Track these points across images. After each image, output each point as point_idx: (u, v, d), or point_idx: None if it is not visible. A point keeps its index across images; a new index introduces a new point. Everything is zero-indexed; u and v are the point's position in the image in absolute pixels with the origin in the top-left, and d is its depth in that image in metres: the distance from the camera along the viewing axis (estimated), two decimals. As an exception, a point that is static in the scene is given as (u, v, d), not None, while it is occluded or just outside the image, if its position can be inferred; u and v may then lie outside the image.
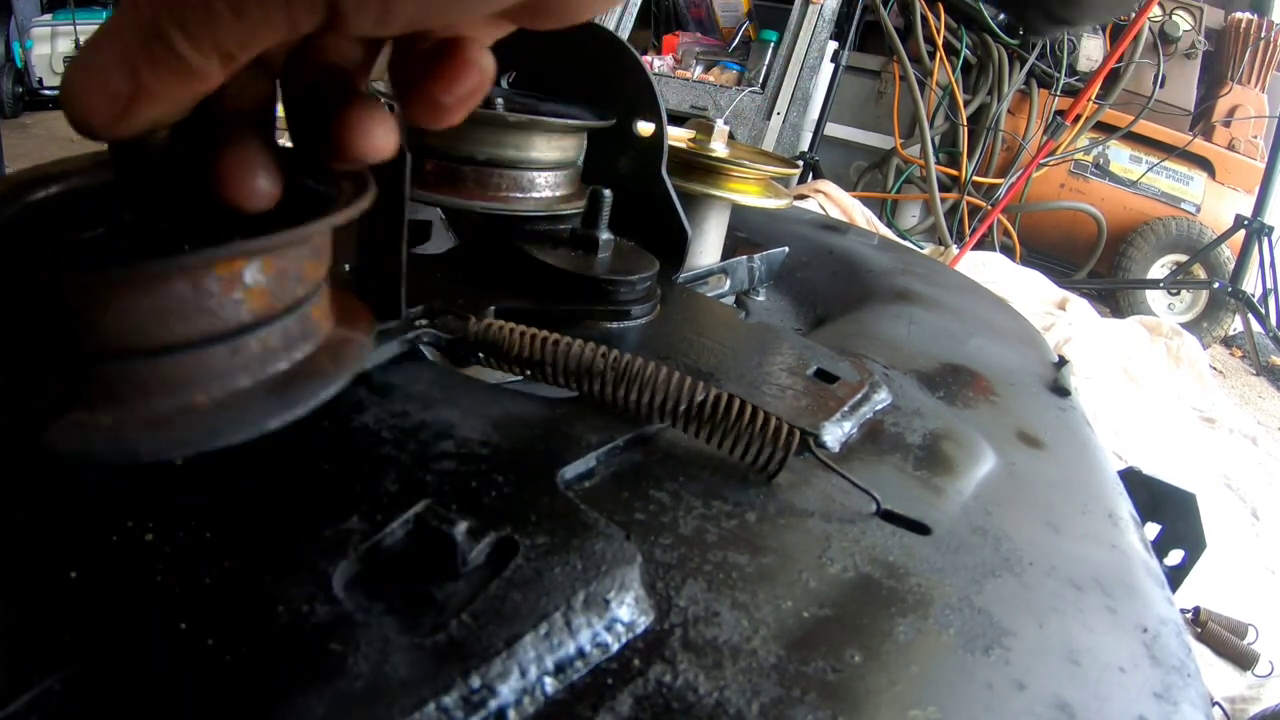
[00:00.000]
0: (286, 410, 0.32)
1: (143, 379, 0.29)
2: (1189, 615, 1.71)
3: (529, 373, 0.47)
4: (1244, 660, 1.68)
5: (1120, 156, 4.00)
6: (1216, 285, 3.70)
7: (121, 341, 0.29)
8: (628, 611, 0.33)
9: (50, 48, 4.73)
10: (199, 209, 0.32)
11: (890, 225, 3.88)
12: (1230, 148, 3.95)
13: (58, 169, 0.35)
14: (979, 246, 3.61)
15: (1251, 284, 3.70)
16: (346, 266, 0.44)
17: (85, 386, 0.29)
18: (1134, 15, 3.56)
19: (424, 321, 0.49)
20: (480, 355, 0.48)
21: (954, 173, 3.99)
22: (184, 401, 0.30)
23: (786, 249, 0.92)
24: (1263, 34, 3.93)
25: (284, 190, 0.33)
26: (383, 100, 0.33)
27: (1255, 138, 3.94)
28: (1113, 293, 4.00)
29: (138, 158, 0.32)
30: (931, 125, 3.91)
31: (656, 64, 4.31)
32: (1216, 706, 1.53)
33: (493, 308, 0.56)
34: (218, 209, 0.31)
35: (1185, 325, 3.51)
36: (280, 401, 0.32)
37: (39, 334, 0.29)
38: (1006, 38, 3.92)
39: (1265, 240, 3.59)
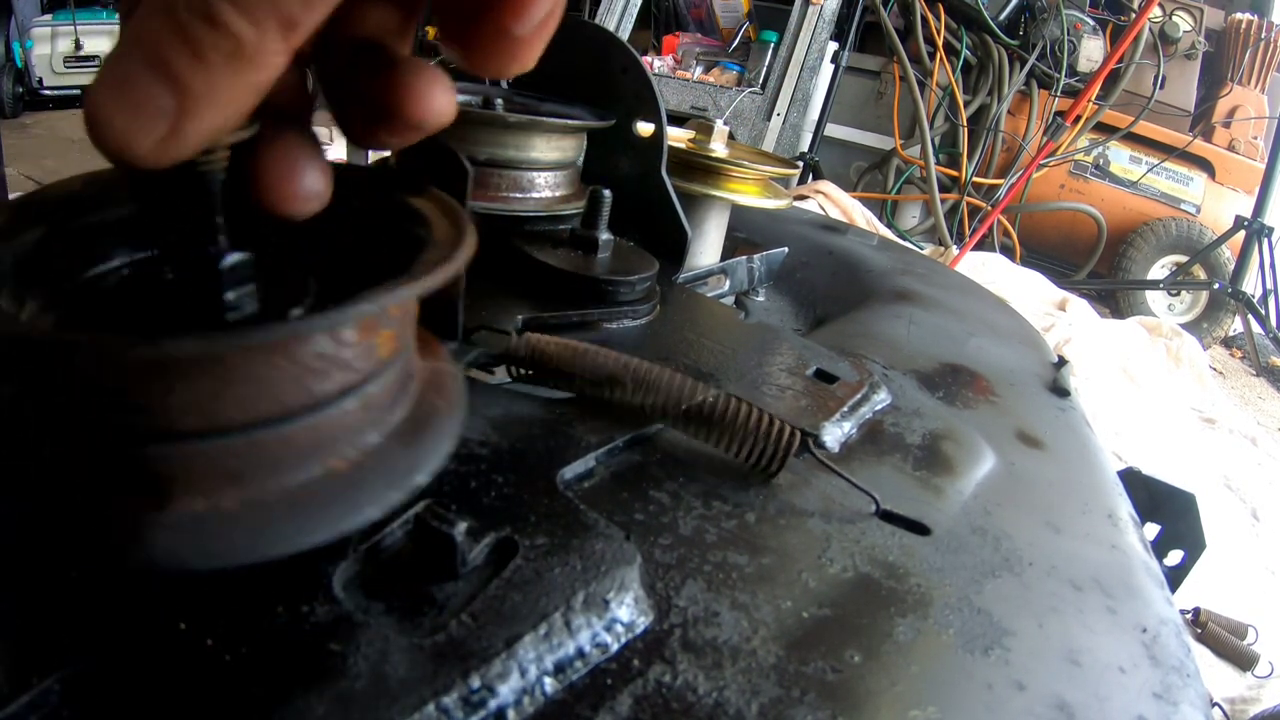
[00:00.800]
0: (425, 464, 0.28)
1: (272, 451, 0.25)
2: (1189, 616, 1.71)
3: (564, 386, 0.47)
4: (1244, 661, 1.67)
5: (1120, 157, 4.00)
6: (1216, 286, 3.69)
7: (237, 414, 0.24)
8: (627, 612, 0.33)
9: (50, 48, 4.73)
10: (238, 227, 0.28)
11: (890, 226, 3.88)
12: (1230, 148, 3.94)
13: (72, 187, 0.31)
14: (979, 247, 3.61)
15: (1251, 285, 3.70)
16: None
17: (147, 477, 0.24)
18: (1135, 16, 3.56)
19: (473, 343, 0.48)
20: (523, 370, 0.48)
21: (954, 173, 3.99)
22: (319, 470, 0.26)
23: (786, 249, 0.92)
24: (1263, 35, 3.93)
25: (349, 204, 0.29)
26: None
27: (1255, 138, 3.94)
28: (1113, 293, 4.00)
29: (207, 191, 0.27)
30: (931, 126, 3.90)
31: (656, 64, 4.31)
32: (1216, 707, 1.53)
33: (520, 317, 0.55)
34: (258, 223, 0.27)
35: (1185, 326, 3.50)
36: (414, 452, 0.28)
37: (97, 408, 0.23)
38: (1006, 38, 3.92)
39: (1265, 241, 3.58)
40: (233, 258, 0.28)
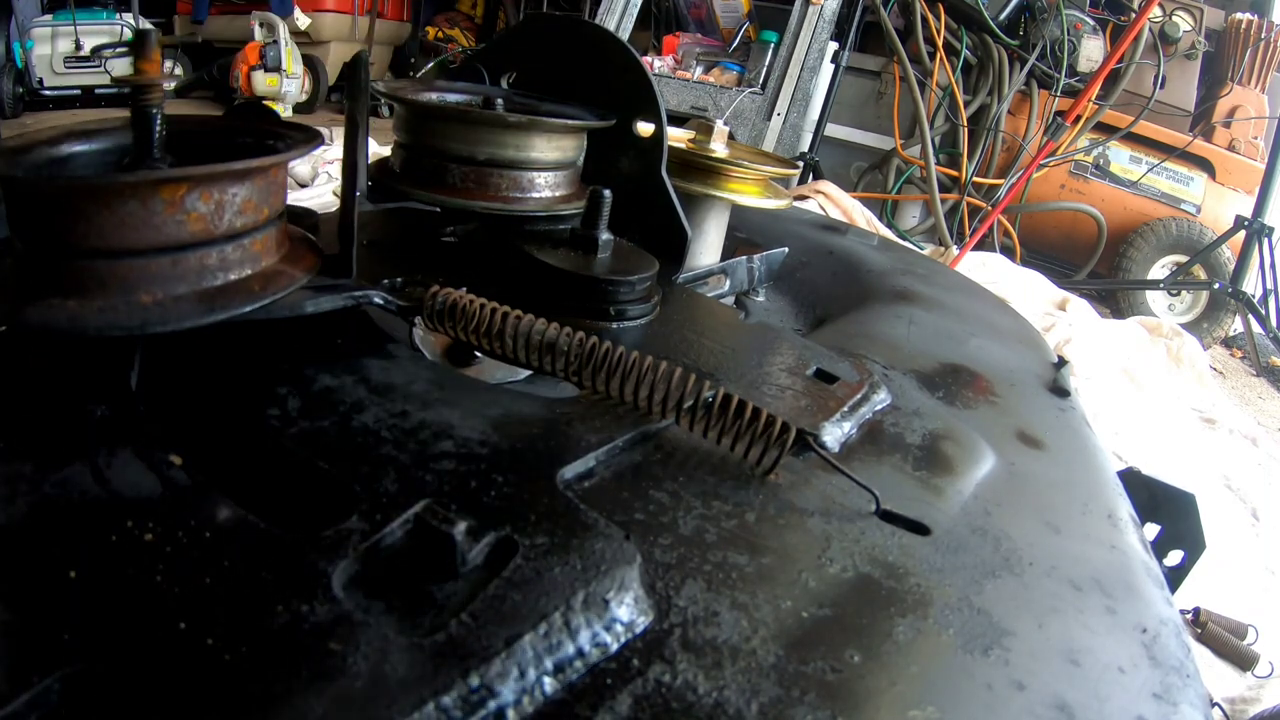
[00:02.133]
0: (209, 314, 0.39)
1: (102, 276, 0.37)
2: (1189, 616, 1.70)
3: (485, 344, 0.48)
4: (1244, 661, 1.67)
5: (1120, 157, 3.99)
6: (1217, 286, 3.69)
7: (89, 243, 0.36)
8: (627, 611, 0.33)
9: (50, 48, 4.72)
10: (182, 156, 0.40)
11: (890, 226, 3.88)
12: (1230, 148, 3.94)
13: (79, 129, 0.43)
14: (979, 247, 3.60)
15: (1251, 285, 3.69)
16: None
17: (62, 278, 0.37)
18: (1135, 16, 3.56)
19: (386, 286, 0.51)
20: (440, 325, 0.48)
21: (954, 173, 3.99)
22: (132, 298, 0.38)
23: (786, 249, 0.92)
24: (1263, 35, 3.93)
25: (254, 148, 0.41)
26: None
27: (1255, 138, 3.93)
28: (1113, 293, 4.00)
29: (147, 120, 0.40)
30: (932, 126, 3.90)
31: (657, 65, 4.31)
32: (1216, 707, 1.52)
33: (464, 288, 0.56)
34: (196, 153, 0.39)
35: (1185, 326, 3.50)
36: (206, 308, 0.39)
37: (34, 231, 0.37)
38: (1006, 38, 3.91)
39: (1265, 241, 3.58)
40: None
